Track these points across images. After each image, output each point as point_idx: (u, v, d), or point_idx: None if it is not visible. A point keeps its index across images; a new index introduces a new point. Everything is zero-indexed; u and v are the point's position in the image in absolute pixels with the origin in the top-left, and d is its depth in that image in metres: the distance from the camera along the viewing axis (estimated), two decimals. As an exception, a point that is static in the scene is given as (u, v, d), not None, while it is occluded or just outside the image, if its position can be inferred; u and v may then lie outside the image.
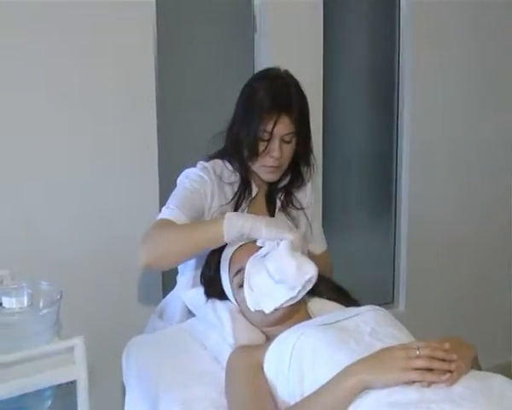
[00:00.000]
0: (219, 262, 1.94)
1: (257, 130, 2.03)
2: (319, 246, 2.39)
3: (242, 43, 2.85)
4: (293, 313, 1.82)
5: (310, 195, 2.34)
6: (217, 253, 1.96)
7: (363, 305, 1.87)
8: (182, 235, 1.89)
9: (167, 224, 1.93)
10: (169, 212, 1.97)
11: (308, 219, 2.30)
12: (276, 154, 2.06)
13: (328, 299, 1.98)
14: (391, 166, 3.43)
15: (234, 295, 1.90)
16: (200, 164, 2.15)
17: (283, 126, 2.04)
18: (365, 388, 1.45)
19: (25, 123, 2.39)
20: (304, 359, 1.58)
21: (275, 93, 2.06)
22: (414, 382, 1.43)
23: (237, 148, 2.12)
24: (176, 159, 2.61)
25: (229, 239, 1.82)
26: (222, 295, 1.95)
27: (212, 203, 2.09)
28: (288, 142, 2.08)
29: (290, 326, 1.73)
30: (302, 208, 2.28)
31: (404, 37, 3.27)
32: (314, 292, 1.97)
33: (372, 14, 3.30)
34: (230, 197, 2.13)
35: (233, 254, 1.89)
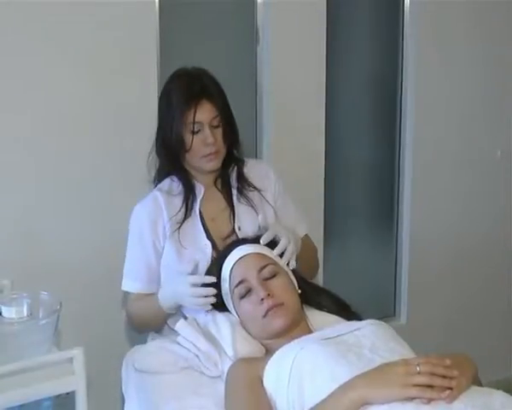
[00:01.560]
0: (220, 274, 1.94)
1: (182, 125, 2.08)
2: (299, 231, 2.30)
3: (245, 55, 2.85)
4: (294, 327, 1.82)
5: (276, 181, 2.31)
6: (216, 265, 1.97)
7: (364, 318, 1.87)
8: (147, 317, 2.16)
9: (136, 299, 2.17)
10: (131, 284, 2.17)
11: (270, 203, 2.26)
12: (210, 140, 2.09)
13: (329, 312, 1.98)
14: (393, 178, 3.42)
15: (234, 306, 1.90)
16: (149, 196, 2.20)
17: (206, 111, 2.09)
18: (365, 403, 1.44)
19: (19, 134, 2.39)
20: (304, 373, 1.58)
21: (188, 86, 2.12)
22: (414, 398, 1.42)
23: (170, 152, 2.16)
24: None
25: (169, 311, 2.06)
26: (222, 307, 1.95)
27: (163, 226, 2.13)
28: (217, 126, 2.12)
29: (290, 340, 1.73)
30: (258, 190, 2.25)
31: (407, 45, 3.26)
32: (315, 305, 1.97)
33: (375, 23, 3.29)
34: (180, 206, 2.16)
35: (233, 265, 1.90)
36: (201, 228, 2.14)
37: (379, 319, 1.84)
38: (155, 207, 2.15)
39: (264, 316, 1.80)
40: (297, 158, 2.87)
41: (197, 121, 2.08)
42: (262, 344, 1.87)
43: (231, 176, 2.25)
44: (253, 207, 2.20)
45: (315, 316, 1.96)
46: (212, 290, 1.90)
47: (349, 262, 3.30)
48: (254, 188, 2.24)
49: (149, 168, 2.29)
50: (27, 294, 1.86)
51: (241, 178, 2.25)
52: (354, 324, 1.78)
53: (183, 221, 2.13)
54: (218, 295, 1.94)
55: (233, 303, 1.90)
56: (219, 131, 2.13)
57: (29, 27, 2.36)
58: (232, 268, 1.90)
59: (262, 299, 1.80)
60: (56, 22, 2.39)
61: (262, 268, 1.87)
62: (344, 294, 2.09)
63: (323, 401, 1.49)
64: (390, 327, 1.79)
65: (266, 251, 1.94)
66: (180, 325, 1.94)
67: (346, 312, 1.99)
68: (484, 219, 3.57)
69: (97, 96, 2.50)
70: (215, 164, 2.16)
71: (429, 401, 1.41)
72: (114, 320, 2.55)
